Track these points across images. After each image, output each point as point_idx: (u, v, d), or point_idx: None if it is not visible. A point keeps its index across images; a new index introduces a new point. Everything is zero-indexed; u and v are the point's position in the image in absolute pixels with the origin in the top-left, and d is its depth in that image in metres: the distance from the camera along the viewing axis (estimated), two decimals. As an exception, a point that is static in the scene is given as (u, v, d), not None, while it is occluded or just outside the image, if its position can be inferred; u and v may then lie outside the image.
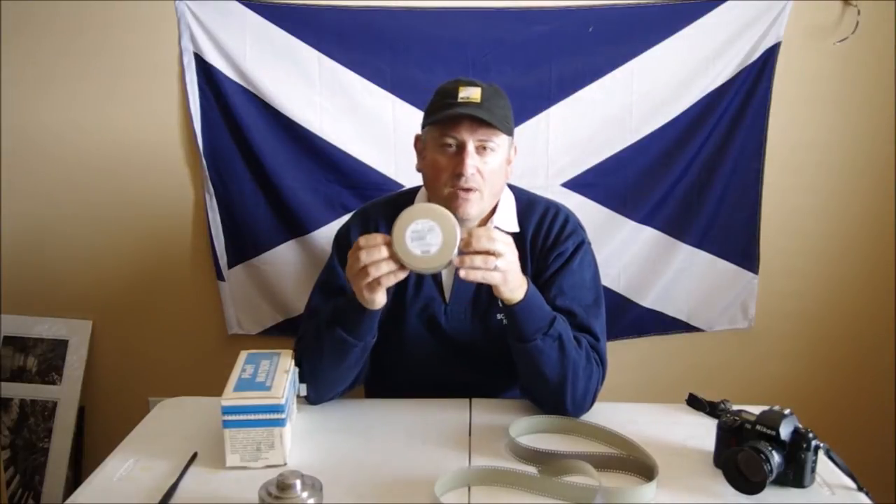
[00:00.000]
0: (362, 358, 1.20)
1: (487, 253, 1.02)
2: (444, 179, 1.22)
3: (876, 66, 1.86)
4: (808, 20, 1.82)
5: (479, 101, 1.19)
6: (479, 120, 1.17)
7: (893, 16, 1.83)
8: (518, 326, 1.13)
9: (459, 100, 1.19)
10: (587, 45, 1.82)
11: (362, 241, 1.03)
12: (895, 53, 1.85)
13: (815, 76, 1.88)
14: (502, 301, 1.11)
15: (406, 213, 1.02)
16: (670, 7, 1.80)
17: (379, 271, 1.02)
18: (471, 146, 1.19)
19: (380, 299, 1.08)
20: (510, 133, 1.24)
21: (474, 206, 1.22)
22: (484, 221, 1.29)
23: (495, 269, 1.03)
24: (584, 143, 1.87)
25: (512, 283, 1.08)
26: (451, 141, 1.21)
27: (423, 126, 1.27)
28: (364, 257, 1.02)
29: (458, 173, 1.19)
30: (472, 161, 1.19)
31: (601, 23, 1.81)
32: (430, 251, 1.01)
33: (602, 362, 1.21)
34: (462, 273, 1.02)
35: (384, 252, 1.01)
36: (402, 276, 1.03)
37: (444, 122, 1.20)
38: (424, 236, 1.01)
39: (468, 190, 1.20)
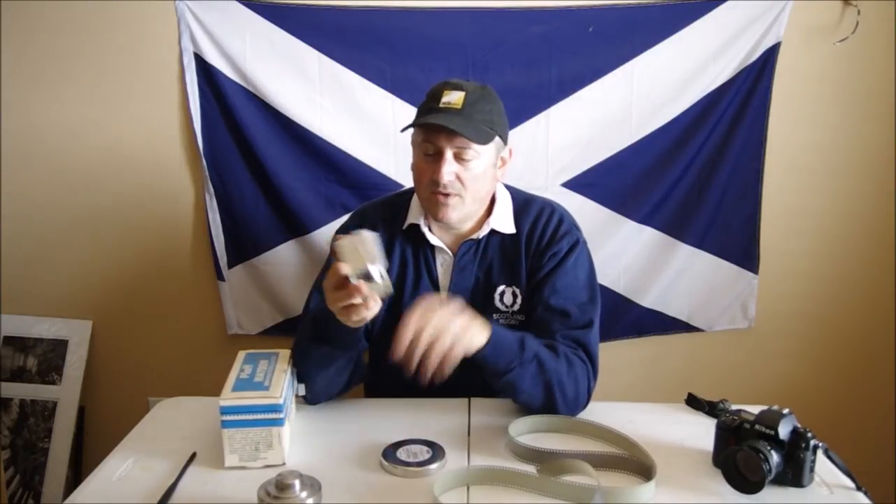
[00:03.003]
0: (348, 366, 1.19)
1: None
2: (424, 183, 1.23)
3: (876, 66, 1.86)
4: (808, 20, 1.82)
5: (459, 106, 1.18)
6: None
7: (893, 16, 1.83)
8: (489, 367, 1.11)
9: (441, 104, 1.19)
10: (587, 45, 1.82)
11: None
12: (895, 53, 1.85)
13: (815, 76, 1.87)
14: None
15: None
16: (670, 7, 1.80)
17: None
18: (448, 153, 1.19)
19: (362, 320, 1.07)
20: (488, 141, 1.21)
21: (454, 212, 1.23)
22: (479, 224, 1.30)
23: (450, 348, 1.03)
24: (584, 144, 1.87)
25: (465, 339, 1.06)
26: (430, 146, 1.21)
27: (403, 130, 1.26)
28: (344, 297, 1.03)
29: (435, 179, 1.20)
30: (448, 168, 1.19)
31: (601, 23, 1.81)
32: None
33: (591, 358, 1.21)
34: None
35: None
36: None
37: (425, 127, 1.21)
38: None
39: (447, 195, 1.21)
